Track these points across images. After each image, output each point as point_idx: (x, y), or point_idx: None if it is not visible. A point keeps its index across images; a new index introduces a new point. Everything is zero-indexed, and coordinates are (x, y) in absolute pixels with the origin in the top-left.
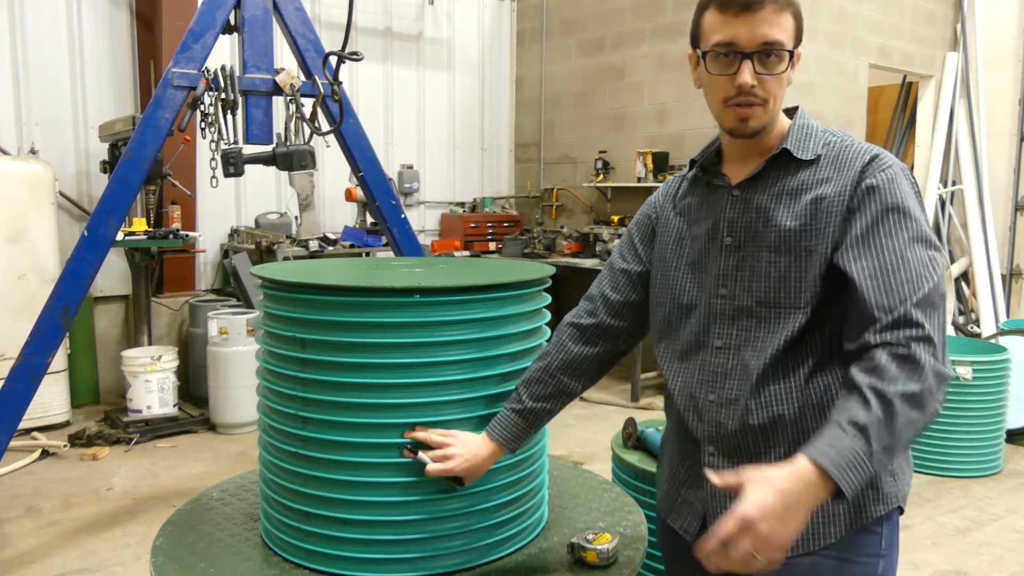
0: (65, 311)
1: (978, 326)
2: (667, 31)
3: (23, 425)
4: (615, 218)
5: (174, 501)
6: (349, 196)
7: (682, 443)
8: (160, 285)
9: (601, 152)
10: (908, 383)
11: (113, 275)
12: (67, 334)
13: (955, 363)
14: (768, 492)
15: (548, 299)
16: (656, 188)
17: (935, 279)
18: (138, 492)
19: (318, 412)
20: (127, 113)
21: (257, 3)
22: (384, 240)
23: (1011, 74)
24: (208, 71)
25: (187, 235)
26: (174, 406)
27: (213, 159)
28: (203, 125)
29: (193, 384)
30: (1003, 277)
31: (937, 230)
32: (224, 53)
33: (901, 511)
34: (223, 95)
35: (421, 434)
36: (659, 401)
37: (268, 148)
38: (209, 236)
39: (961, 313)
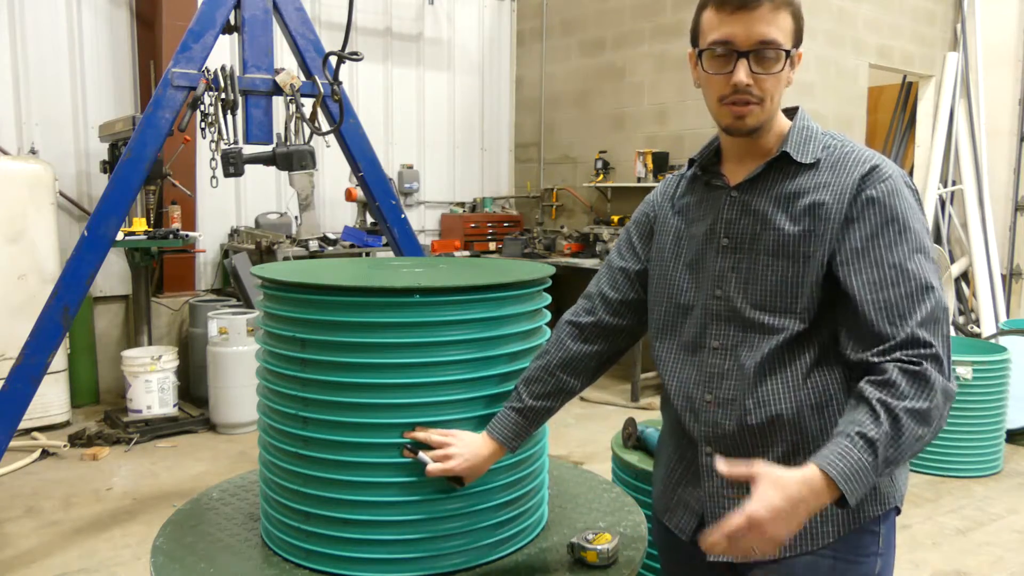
0: (65, 311)
1: (978, 326)
2: (667, 31)
3: (23, 425)
4: (615, 218)
5: (174, 501)
6: (349, 196)
7: (679, 443)
8: (160, 285)
9: (601, 152)
10: (917, 400)
11: (113, 275)
12: (67, 334)
13: (955, 363)
14: (778, 494)
15: (548, 299)
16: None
17: (937, 293)
18: (138, 492)
19: (318, 412)
20: (127, 113)
21: (257, 3)
22: (384, 240)
23: (1011, 74)
24: (208, 71)
25: (187, 235)
26: (174, 406)
27: (213, 159)
28: (203, 125)
29: (193, 384)
30: (1003, 277)
31: (937, 230)
32: (224, 53)
33: (898, 511)
34: (223, 95)
35: (421, 434)
36: (658, 401)
37: (268, 148)
38: (209, 236)
39: (961, 313)
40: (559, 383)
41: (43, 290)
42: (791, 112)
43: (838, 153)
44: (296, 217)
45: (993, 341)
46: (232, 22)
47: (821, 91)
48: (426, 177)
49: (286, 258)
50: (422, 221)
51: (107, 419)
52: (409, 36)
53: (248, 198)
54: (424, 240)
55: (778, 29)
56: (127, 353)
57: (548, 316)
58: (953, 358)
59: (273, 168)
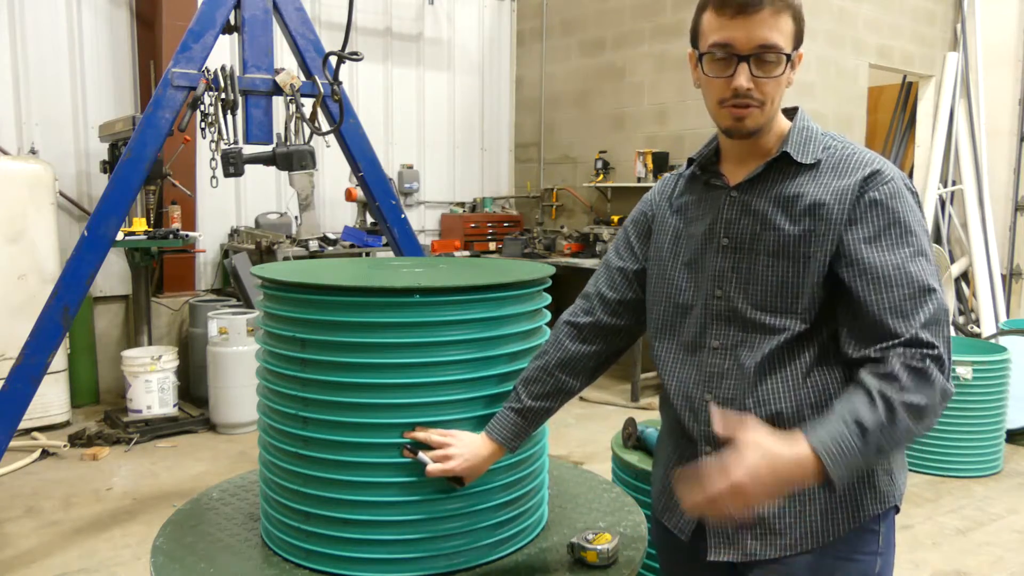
0: (65, 311)
1: (978, 326)
2: (667, 31)
3: (23, 425)
4: (615, 218)
5: (174, 501)
6: (349, 196)
7: (678, 443)
8: (160, 285)
9: (601, 152)
10: (916, 395)
11: (113, 275)
12: (67, 334)
13: (955, 363)
14: (765, 464)
15: (548, 299)
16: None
17: (939, 295)
18: (138, 492)
19: (318, 412)
20: (127, 113)
21: (257, 3)
22: (384, 240)
23: (1011, 74)
24: (208, 71)
25: (187, 235)
26: (174, 406)
27: (213, 159)
28: (203, 125)
29: (193, 384)
30: (1003, 277)
31: (937, 230)
32: (224, 53)
33: (897, 510)
34: (223, 95)
35: (421, 434)
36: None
37: (268, 148)
38: (209, 236)
39: (961, 313)
40: (558, 383)
41: (43, 290)
42: (790, 112)
43: (839, 155)
44: (296, 217)
45: (993, 341)
46: (232, 22)
47: (821, 91)
48: (426, 177)
49: (286, 258)
50: (422, 221)
51: (107, 419)
52: (409, 36)
53: (248, 198)
54: (424, 240)
55: (779, 32)
56: (127, 353)
57: (548, 316)
58: (953, 358)
59: (273, 168)
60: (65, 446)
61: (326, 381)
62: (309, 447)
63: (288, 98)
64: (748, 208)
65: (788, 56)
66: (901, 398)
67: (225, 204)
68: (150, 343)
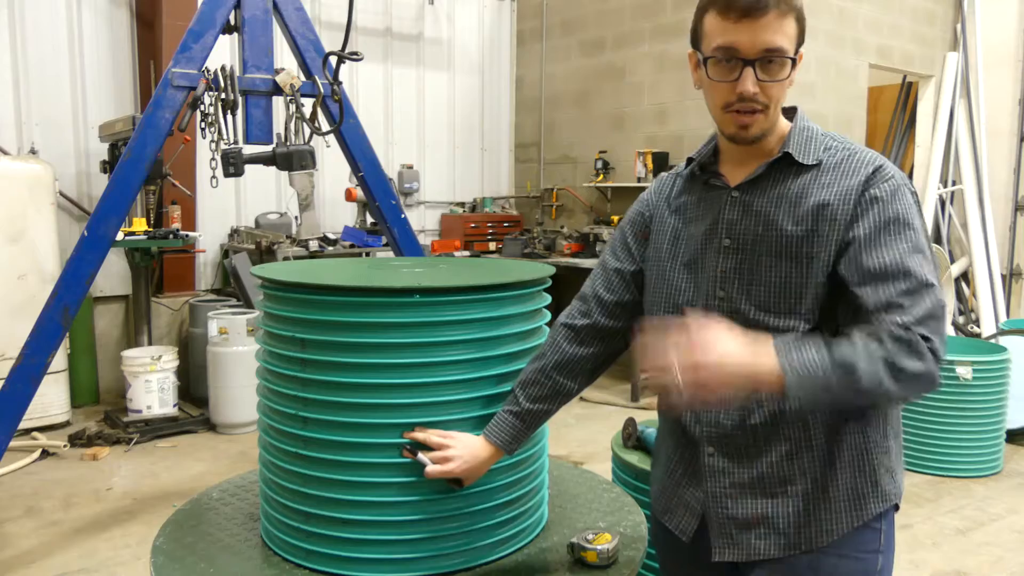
0: (65, 311)
1: (978, 326)
2: (667, 31)
3: (23, 425)
4: (615, 218)
5: (174, 501)
6: (349, 196)
7: (678, 443)
8: (160, 285)
9: (601, 152)
10: (899, 357)
11: (113, 275)
12: (67, 334)
13: (955, 363)
14: (732, 357)
15: (548, 299)
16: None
17: (936, 291)
18: (138, 492)
19: (318, 412)
20: (127, 113)
21: (257, 3)
22: (384, 240)
23: (1011, 74)
24: (208, 71)
25: (187, 235)
26: (174, 406)
27: (213, 159)
28: (203, 125)
29: (193, 384)
30: (1003, 277)
31: (937, 230)
32: (224, 53)
33: (897, 508)
34: (223, 95)
35: (420, 435)
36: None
37: (268, 148)
38: (209, 236)
39: (961, 313)
40: (556, 386)
41: (43, 290)
42: (788, 112)
43: (841, 155)
44: (296, 217)
45: (993, 341)
46: (232, 22)
47: (821, 91)
48: (426, 177)
49: (286, 258)
50: (422, 221)
51: (107, 419)
52: (409, 36)
53: (248, 198)
54: (424, 240)
55: (784, 35)
56: (127, 353)
57: (548, 316)
58: (953, 358)
59: (273, 168)
60: (65, 446)
61: (326, 381)
62: (309, 447)
63: (288, 98)
64: (750, 209)
65: (793, 59)
66: (882, 353)
67: (225, 204)
68: (150, 343)
